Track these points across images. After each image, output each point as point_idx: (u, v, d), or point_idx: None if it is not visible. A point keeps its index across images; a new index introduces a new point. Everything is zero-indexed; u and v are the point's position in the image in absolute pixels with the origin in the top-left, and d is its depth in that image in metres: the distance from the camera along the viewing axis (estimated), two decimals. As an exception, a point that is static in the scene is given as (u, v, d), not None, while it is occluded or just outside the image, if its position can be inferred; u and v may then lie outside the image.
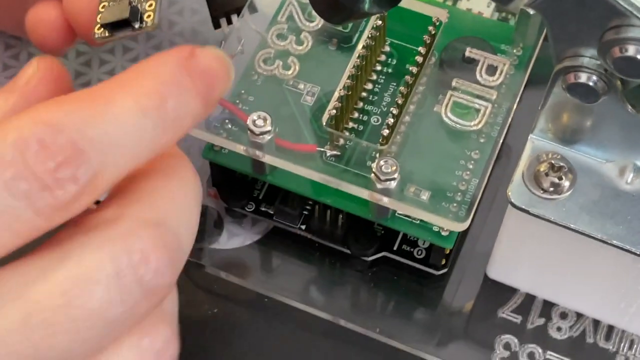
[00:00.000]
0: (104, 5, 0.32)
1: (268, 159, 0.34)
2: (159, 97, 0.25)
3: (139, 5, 0.31)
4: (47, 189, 0.23)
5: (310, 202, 0.36)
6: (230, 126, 0.35)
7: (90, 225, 0.25)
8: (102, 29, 0.31)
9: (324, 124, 0.34)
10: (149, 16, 0.31)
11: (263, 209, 0.37)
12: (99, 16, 0.32)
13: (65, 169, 0.23)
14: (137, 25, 0.31)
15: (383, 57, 0.37)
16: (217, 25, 0.38)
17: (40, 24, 0.35)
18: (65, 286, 0.24)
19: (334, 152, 0.34)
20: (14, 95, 0.28)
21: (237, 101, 0.35)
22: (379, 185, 0.32)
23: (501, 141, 0.34)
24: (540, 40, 0.36)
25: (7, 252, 0.24)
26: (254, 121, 0.33)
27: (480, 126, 0.34)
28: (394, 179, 0.32)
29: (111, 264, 0.24)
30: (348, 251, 0.36)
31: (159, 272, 0.25)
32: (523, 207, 0.31)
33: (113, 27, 0.31)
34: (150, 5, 0.31)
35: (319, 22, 0.36)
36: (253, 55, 0.36)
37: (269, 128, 0.33)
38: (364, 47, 0.35)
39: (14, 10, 0.37)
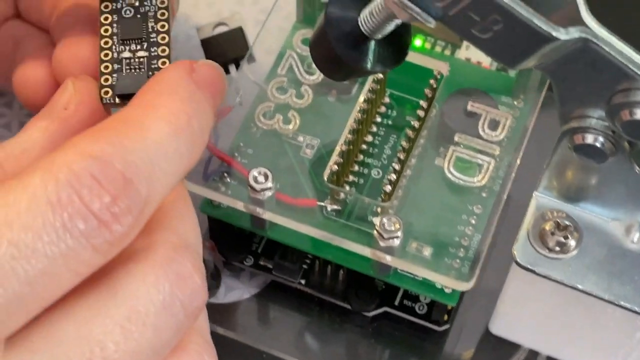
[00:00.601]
0: (107, 67, 0.31)
1: (268, 215, 0.33)
2: (185, 115, 0.26)
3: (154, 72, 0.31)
4: (104, 225, 0.23)
5: (310, 256, 0.36)
6: (228, 180, 0.34)
7: (125, 256, 0.25)
8: (111, 95, 0.31)
9: (325, 179, 0.34)
10: None
11: (262, 263, 0.36)
12: (105, 79, 0.31)
13: (120, 202, 0.23)
14: None
15: (383, 109, 0.36)
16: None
17: (27, 83, 0.34)
18: (122, 321, 0.24)
19: (335, 207, 0.34)
20: (54, 122, 0.29)
21: (236, 154, 0.35)
22: (381, 243, 0.32)
23: (505, 197, 0.33)
24: (543, 93, 0.35)
25: (66, 291, 0.24)
26: (254, 177, 0.33)
27: (483, 182, 0.34)
28: (397, 236, 0.32)
29: (157, 293, 0.25)
30: (349, 307, 0.36)
31: (195, 292, 0.26)
32: (529, 266, 0.31)
33: (126, 96, 0.30)
34: None
35: (319, 75, 0.36)
36: (252, 107, 0.36)
37: (269, 185, 0.32)
38: (365, 100, 0.35)
39: (2, 64, 0.37)
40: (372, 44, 0.30)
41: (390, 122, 0.36)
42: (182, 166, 0.26)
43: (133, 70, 0.31)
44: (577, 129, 0.29)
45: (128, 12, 0.31)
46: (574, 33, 0.26)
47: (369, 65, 0.30)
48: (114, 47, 0.31)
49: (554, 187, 0.32)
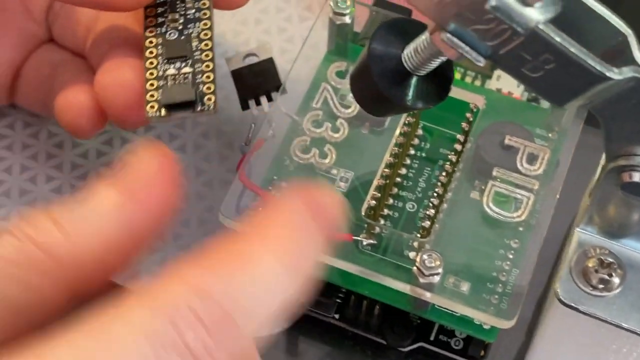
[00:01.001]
0: (153, 84, 0.31)
1: (306, 251, 0.33)
2: (298, 252, 0.25)
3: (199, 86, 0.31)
4: None
5: (344, 290, 0.35)
6: (262, 213, 0.34)
7: None
8: (156, 108, 0.30)
9: (363, 214, 0.33)
10: (209, 99, 0.31)
11: (295, 297, 0.36)
12: (150, 95, 0.31)
13: (218, 340, 0.22)
14: (199, 108, 0.31)
15: (416, 141, 0.36)
16: (245, 107, 0.37)
17: (69, 109, 0.34)
18: None
19: (371, 241, 0.33)
20: (131, 203, 0.26)
21: (270, 187, 0.35)
22: (421, 280, 0.31)
23: (544, 233, 0.33)
24: (580, 127, 0.35)
25: None
26: (291, 213, 0.32)
27: (523, 217, 0.33)
28: (437, 273, 0.31)
29: None
30: (383, 341, 0.35)
31: None
32: (572, 304, 0.30)
33: (172, 107, 0.30)
34: (209, 88, 0.31)
35: (354, 108, 0.35)
36: (285, 140, 0.35)
37: (307, 221, 0.32)
38: (400, 134, 0.35)
39: (39, 89, 0.37)
40: (415, 80, 0.30)
41: (423, 155, 0.36)
42: (283, 302, 0.24)
43: (177, 83, 0.31)
44: (625, 167, 0.28)
45: (172, 34, 0.32)
46: (627, 73, 0.26)
47: (411, 103, 0.29)
48: (159, 66, 0.32)
49: (596, 223, 0.31)
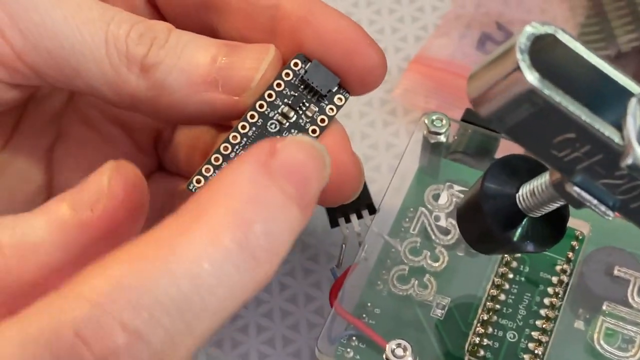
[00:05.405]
0: (217, 158, 0.29)
1: (407, 389, 0.31)
2: (241, 226, 0.21)
3: None
4: None
5: None
6: (356, 343, 0.32)
7: None
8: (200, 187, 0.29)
9: (466, 350, 0.32)
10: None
11: None
12: (205, 168, 0.29)
13: None
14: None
15: (515, 264, 0.34)
16: (334, 224, 0.36)
17: None
18: None
19: (472, 375, 0.32)
20: (73, 222, 0.24)
21: (364, 315, 0.33)
22: None
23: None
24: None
25: None
26: (392, 350, 0.31)
27: (637, 357, 0.32)
28: (548, 419, 0.30)
29: None
30: None
31: None
32: None
33: None
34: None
35: (453, 234, 0.34)
36: (378, 263, 0.34)
37: (409, 359, 0.31)
38: (502, 264, 0.33)
39: (157, 219, 0.35)
40: (528, 221, 0.28)
41: (523, 279, 0.34)
42: (236, 294, 0.21)
43: None
44: None
45: (274, 126, 0.29)
46: None
47: (524, 246, 0.28)
48: (237, 147, 0.29)
49: None
